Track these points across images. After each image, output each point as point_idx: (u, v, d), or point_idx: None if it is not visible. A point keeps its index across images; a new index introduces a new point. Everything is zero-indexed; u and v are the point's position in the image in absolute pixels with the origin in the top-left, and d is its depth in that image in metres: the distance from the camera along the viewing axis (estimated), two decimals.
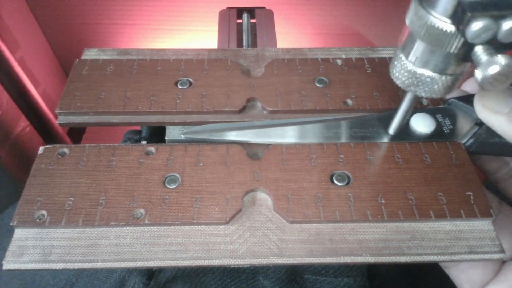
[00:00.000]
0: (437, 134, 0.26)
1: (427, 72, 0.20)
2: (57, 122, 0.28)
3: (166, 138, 0.28)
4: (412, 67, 0.20)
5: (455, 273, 0.26)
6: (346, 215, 0.23)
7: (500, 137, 0.25)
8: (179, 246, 0.22)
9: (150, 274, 0.31)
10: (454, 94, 0.29)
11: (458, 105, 0.27)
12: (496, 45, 0.17)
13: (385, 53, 0.33)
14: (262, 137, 0.26)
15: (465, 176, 0.24)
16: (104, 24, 0.76)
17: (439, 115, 0.27)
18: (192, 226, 0.23)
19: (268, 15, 0.55)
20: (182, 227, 0.23)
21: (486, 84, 0.17)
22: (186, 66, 0.30)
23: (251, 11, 0.55)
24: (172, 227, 0.23)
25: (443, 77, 0.20)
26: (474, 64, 0.17)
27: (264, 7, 0.56)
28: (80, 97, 0.28)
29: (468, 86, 0.29)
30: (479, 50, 0.17)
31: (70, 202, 0.23)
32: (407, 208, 0.23)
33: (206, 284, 0.30)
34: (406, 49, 0.20)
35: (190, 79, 0.29)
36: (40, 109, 0.71)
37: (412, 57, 0.20)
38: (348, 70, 0.30)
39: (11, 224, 0.23)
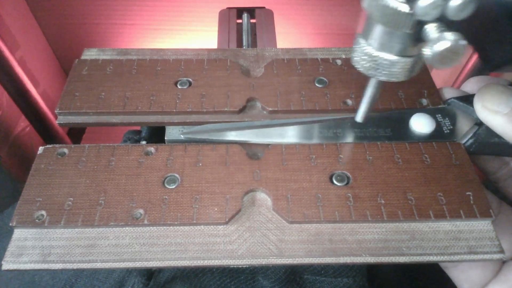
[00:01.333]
0: (437, 134, 0.26)
1: (385, 55, 0.20)
2: (57, 122, 0.28)
3: (165, 138, 0.28)
4: (370, 51, 0.20)
5: (455, 273, 0.26)
6: (346, 215, 0.23)
7: (499, 137, 0.25)
8: (179, 246, 0.22)
9: (149, 274, 0.31)
10: (454, 94, 0.29)
11: (458, 105, 0.27)
12: (448, 23, 0.17)
13: None
14: (262, 137, 0.26)
15: (464, 176, 0.24)
16: (104, 24, 0.76)
17: (439, 115, 0.27)
18: (192, 226, 0.23)
19: (268, 15, 0.55)
20: (182, 227, 0.23)
21: (436, 62, 0.17)
22: (186, 66, 0.30)
23: (251, 11, 0.55)
24: (171, 227, 0.23)
25: (402, 60, 0.20)
26: (426, 43, 0.17)
27: (264, 7, 0.56)
28: (80, 97, 0.28)
29: (468, 86, 0.29)
30: (430, 27, 0.17)
31: (70, 202, 0.23)
32: (406, 208, 0.23)
33: (206, 284, 0.30)
34: (365, 33, 0.20)
35: (190, 79, 0.29)
36: (40, 109, 0.71)
37: (370, 40, 0.20)
38: (348, 70, 0.30)
39: (10, 224, 0.23)
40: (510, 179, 0.28)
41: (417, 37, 0.18)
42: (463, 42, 0.17)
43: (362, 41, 0.20)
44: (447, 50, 0.17)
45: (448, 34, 0.17)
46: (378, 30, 0.19)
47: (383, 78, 0.21)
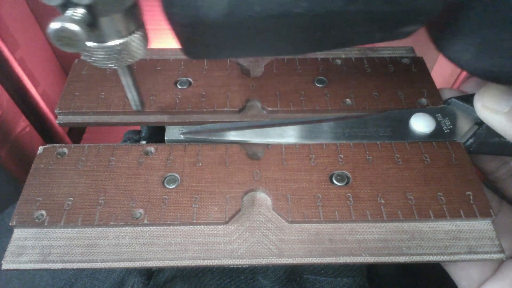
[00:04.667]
0: (437, 134, 0.26)
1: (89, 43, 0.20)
2: (57, 122, 0.28)
3: (165, 138, 0.28)
4: None
5: (454, 270, 0.26)
6: (346, 215, 0.23)
7: (500, 136, 0.25)
8: (178, 246, 0.22)
9: (149, 274, 0.31)
10: (454, 94, 0.29)
11: (458, 105, 0.27)
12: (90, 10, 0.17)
13: (385, 53, 0.33)
14: (261, 137, 0.26)
15: (464, 176, 0.24)
16: None
17: (439, 115, 0.27)
18: (192, 226, 0.23)
19: None
20: (181, 227, 0.23)
21: (53, 40, 0.17)
22: (185, 66, 0.30)
23: None
24: (171, 227, 0.23)
25: (101, 46, 0.19)
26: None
27: None
28: (79, 97, 0.28)
29: (468, 86, 0.29)
30: (67, 11, 0.17)
31: (70, 202, 0.23)
32: (406, 208, 0.23)
33: (206, 284, 0.30)
34: None
35: (190, 79, 0.29)
36: (40, 109, 0.71)
37: None
38: (348, 70, 0.30)
39: (10, 224, 0.23)
40: (509, 179, 0.28)
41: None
42: (72, 28, 0.16)
43: None
44: (59, 30, 0.17)
45: (69, 18, 0.16)
46: None
47: (99, 65, 0.20)
